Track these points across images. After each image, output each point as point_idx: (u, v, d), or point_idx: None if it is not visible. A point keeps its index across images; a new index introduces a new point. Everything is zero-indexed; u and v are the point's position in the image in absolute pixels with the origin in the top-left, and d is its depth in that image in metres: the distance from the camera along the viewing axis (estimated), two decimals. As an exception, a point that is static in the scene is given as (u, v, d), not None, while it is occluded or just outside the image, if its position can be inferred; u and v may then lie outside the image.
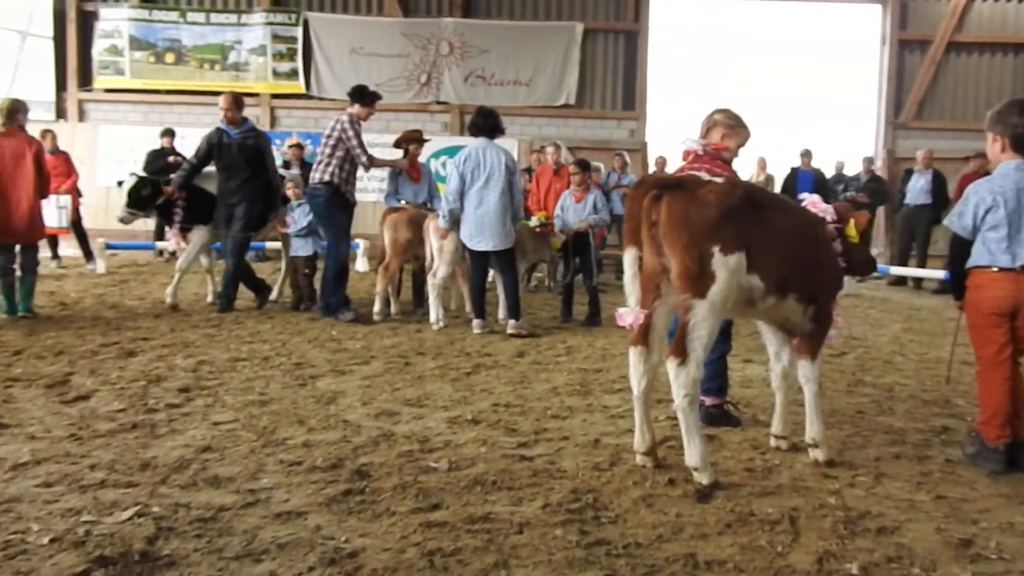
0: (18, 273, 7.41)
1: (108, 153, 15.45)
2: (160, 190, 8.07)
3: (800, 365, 3.98)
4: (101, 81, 16.26)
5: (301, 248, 8.54)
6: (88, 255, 11.68)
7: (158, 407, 4.54)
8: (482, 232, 7.35)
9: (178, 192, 8.14)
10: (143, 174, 8.29)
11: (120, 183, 8.28)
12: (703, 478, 3.47)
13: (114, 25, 16.15)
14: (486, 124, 7.56)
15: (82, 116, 16.38)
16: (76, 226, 11.77)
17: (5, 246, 7.30)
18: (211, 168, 8.32)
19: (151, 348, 6.20)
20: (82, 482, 3.29)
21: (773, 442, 4.14)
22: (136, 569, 2.52)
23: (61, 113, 16.32)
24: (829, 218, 4.03)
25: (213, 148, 8.14)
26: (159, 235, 11.81)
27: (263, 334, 7.00)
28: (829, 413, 4.61)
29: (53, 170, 11.27)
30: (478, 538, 2.86)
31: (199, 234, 8.33)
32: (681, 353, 3.45)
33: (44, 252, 11.77)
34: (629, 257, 3.68)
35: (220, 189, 8.28)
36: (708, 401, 4.48)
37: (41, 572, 2.47)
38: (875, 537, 3.04)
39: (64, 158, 11.86)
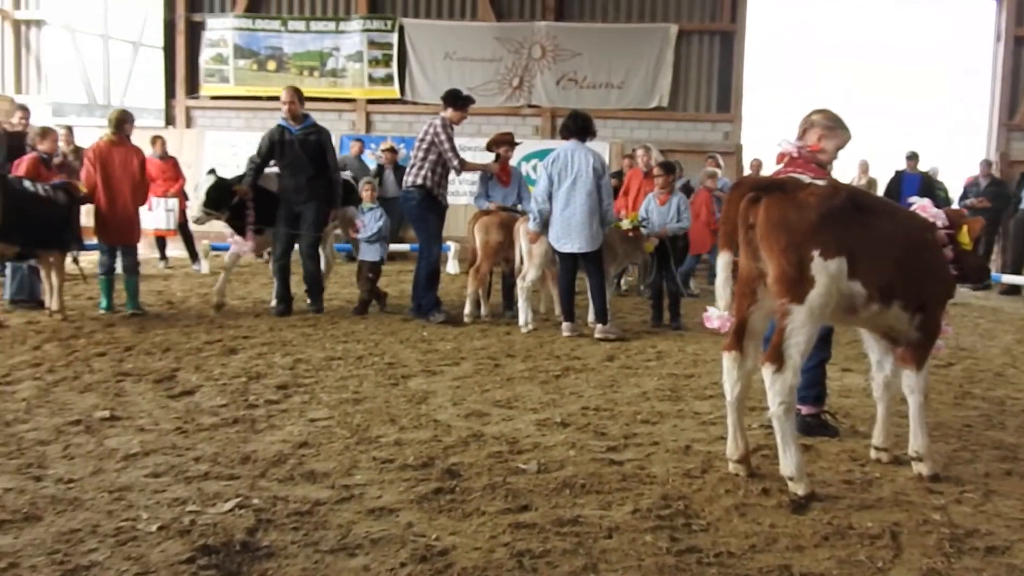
0: (118, 271, 7.90)
1: (213, 158, 16.06)
2: (234, 191, 7.96)
3: (904, 375, 3.82)
4: (207, 89, 16.92)
5: (369, 253, 8.47)
6: (193, 256, 12.17)
7: (258, 403, 4.69)
8: (568, 233, 7.34)
9: (250, 192, 8.00)
10: (220, 174, 8.16)
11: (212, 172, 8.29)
12: (799, 488, 3.37)
13: (220, 35, 16.80)
14: (576, 126, 7.57)
15: (189, 122, 17.08)
16: (182, 228, 12.26)
17: (110, 247, 7.77)
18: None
19: (251, 346, 6.42)
20: (187, 473, 3.42)
21: (873, 454, 4.00)
22: (237, 559, 2.61)
23: (170, 120, 17.05)
24: (940, 223, 3.86)
25: (275, 145, 8.03)
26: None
27: (357, 334, 7.15)
28: (934, 426, 4.42)
29: (162, 174, 11.85)
30: (567, 541, 2.85)
31: (254, 242, 8.24)
32: (777, 360, 3.37)
33: (153, 253, 12.36)
34: (723, 261, 3.62)
35: (283, 188, 8.15)
36: (805, 410, 4.36)
37: (150, 558, 2.59)
38: (983, 557, 2.90)
39: (172, 163, 12.41)
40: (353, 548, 2.74)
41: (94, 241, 8.23)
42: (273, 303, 8.21)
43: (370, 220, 8.39)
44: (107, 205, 7.74)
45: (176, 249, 12.72)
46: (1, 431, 3.95)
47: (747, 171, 14.65)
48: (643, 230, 8.07)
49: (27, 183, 7.14)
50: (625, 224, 8.26)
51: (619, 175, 11.41)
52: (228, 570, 2.54)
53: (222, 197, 7.89)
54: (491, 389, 5.28)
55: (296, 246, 8.29)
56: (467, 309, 8.18)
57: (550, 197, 7.41)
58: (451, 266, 13.35)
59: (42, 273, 7.67)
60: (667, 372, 6.03)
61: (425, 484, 3.39)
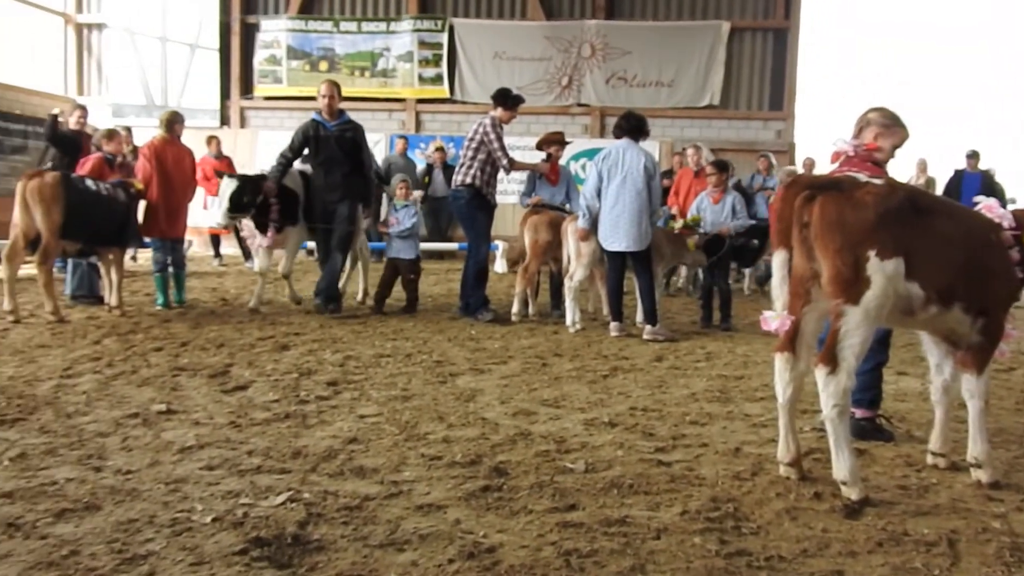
0: (170, 269, 8.15)
1: (267, 157, 16.33)
2: (260, 189, 7.84)
3: (964, 379, 3.72)
4: (261, 89, 17.21)
5: (403, 251, 8.29)
6: (246, 254, 12.38)
7: (308, 399, 4.75)
8: (616, 232, 7.30)
9: (276, 189, 7.88)
10: (238, 178, 7.98)
11: (219, 174, 8.33)
12: (852, 493, 3.31)
13: (273, 36, 17.06)
14: (629, 125, 7.53)
15: (243, 122, 17.39)
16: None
17: (163, 244, 8.00)
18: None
19: (302, 343, 6.51)
20: (240, 467, 3.48)
21: (930, 459, 3.90)
22: (288, 551, 2.65)
23: (224, 120, 17.36)
24: (1006, 224, 3.75)
25: (309, 141, 7.88)
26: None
27: (406, 332, 7.21)
28: (995, 432, 4.30)
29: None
30: (615, 541, 2.84)
31: (293, 235, 8.17)
32: (831, 362, 3.31)
33: (208, 251, 12.61)
34: (778, 260, 3.56)
35: (318, 184, 8.03)
36: (859, 413, 4.27)
37: (204, 549, 2.64)
38: (1045, 566, 2.81)
39: (227, 162, 12.65)
40: (401, 543, 2.77)
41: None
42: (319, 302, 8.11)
43: (404, 217, 8.28)
44: (160, 200, 8.04)
45: (230, 247, 12.96)
46: (63, 423, 4.06)
47: (800, 170, 14.43)
48: (699, 230, 7.97)
49: (89, 182, 7.36)
50: (680, 224, 8.15)
51: (669, 174, 11.33)
52: (280, 562, 2.58)
53: (246, 198, 7.77)
54: (538, 388, 5.29)
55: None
56: (515, 308, 8.20)
57: (599, 195, 7.39)
58: (499, 265, 13.37)
59: (102, 269, 7.90)
60: (717, 373, 5.97)
61: (473, 481, 3.41)
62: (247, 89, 17.31)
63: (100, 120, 16.15)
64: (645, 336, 7.29)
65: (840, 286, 3.31)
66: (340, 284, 8.42)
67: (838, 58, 19.03)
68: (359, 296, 8.95)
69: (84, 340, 6.29)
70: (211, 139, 12.62)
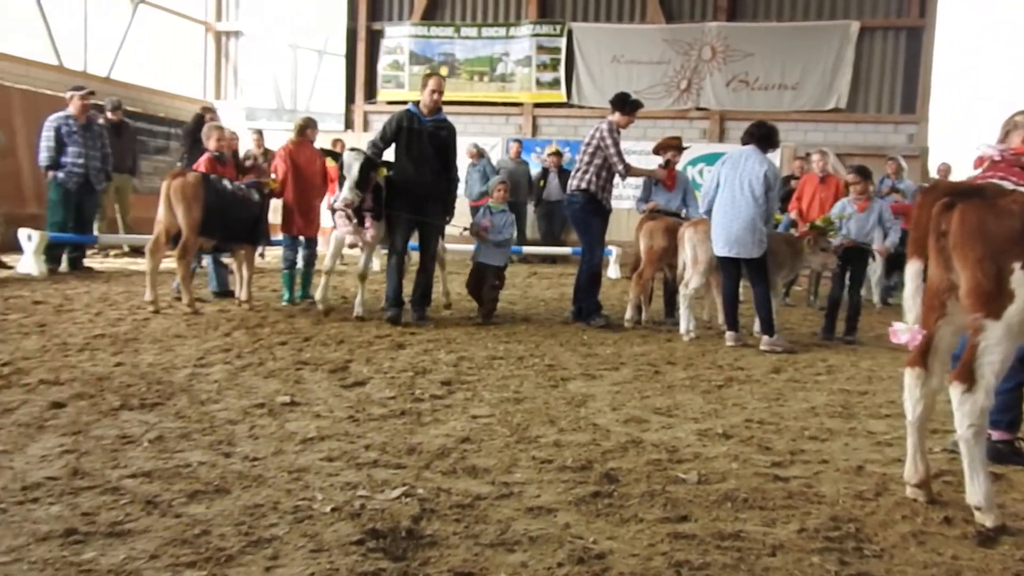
0: (299, 265, 8.52)
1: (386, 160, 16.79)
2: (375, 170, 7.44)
3: None
4: (384, 94, 17.71)
5: (494, 257, 7.94)
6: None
7: (423, 397, 4.86)
8: (730, 239, 7.16)
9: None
10: (361, 152, 7.41)
11: (328, 153, 7.98)
12: (987, 520, 3.13)
13: (397, 42, 17.53)
14: (759, 133, 7.34)
15: (366, 126, 17.93)
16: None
17: (293, 242, 8.37)
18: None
19: (418, 342, 6.65)
20: (358, 460, 3.59)
21: None
22: (403, 544, 2.72)
23: (349, 124, 17.95)
24: None
25: (402, 132, 7.49)
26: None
27: (518, 335, 7.27)
28: None
29: (337, 174, 12.53)
30: (727, 555, 2.78)
31: (380, 230, 7.67)
32: (968, 379, 3.13)
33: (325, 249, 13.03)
34: (912, 270, 3.41)
35: (406, 178, 7.49)
36: (996, 435, 4.04)
37: (324, 537, 2.74)
38: None
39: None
40: (512, 544, 2.79)
41: (279, 237, 8.85)
42: (384, 307, 7.65)
43: (502, 223, 7.94)
44: (295, 200, 8.44)
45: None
46: (196, 409, 4.29)
47: (934, 176, 13.77)
48: (832, 236, 7.60)
49: (225, 182, 7.74)
50: (816, 224, 7.76)
51: (791, 179, 11.01)
52: (394, 555, 2.65)
53: (367, 178, 7.33)
54: (651, 396, 5.23)
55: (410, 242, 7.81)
56: (628, 314, 8.14)
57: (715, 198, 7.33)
58: (612, 271, 13.31)
59: (233, 265, 8.31)
60: (838, 387, 5.77)
61: (583, 487, 3.41)
62: (371, 94, 17.84)
63: (233, 123, 16.99)
64: (762, 347, 7.12)
65: (980, 299, 3.14)
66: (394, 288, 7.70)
67: (976, 58, 17.98)
68: (444, 300, 8.83)
69: (216, 332, 6.62)
70: (336, 142, 13.05)
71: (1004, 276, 3.09)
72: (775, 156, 14.28)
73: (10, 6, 13.87)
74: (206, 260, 9.00)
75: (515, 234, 8.24)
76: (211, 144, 8.36)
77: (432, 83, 7.55)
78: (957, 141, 15.52)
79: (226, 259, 9.05)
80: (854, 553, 2.87)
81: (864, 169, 8.14)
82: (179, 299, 7.87)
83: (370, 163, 7.27)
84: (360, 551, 2.65)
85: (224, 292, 8.72)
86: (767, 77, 15.61)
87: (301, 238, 8.57)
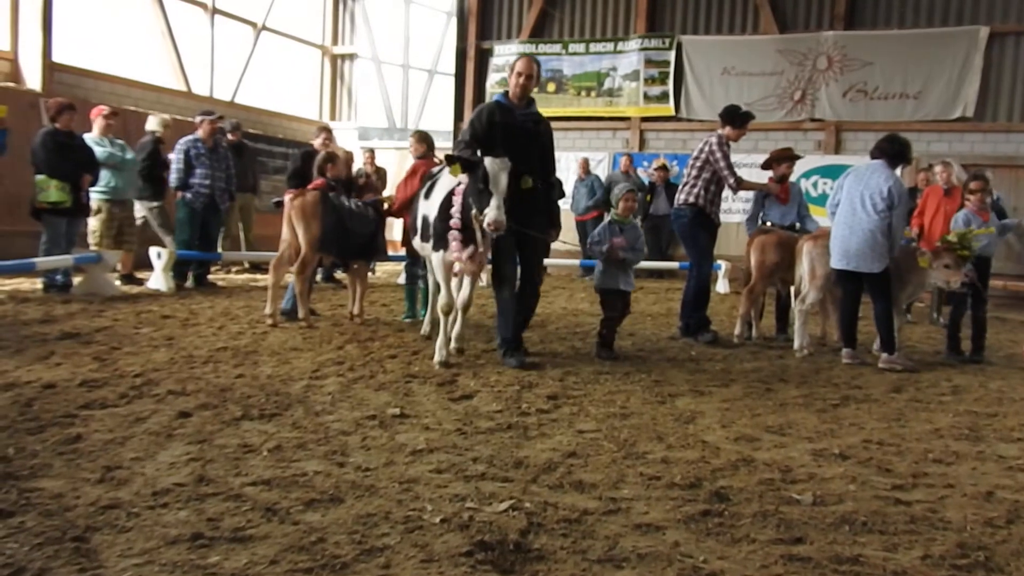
0: (420, 284, 8.52)
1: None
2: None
3: None
4: (492, 111, 17.92)
5: (626, 281, 6.94)
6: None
7: (529, 411, 4.88)
8: (848, 252, 6.94)
9: None
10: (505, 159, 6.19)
11: (456, 160, 6.21)
12: None
13: (505, 60, 17.74)
14: (891, 148, 7.09)
15: (475, 144, 18.18)
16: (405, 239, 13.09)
17: (415, 259, 8.47)
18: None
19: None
20: (466, 472, 3.64)
21: None
22: (510, 557, 2.74)
23: (458, 141, 18.27)
24: None
25: (495, 128, 6.22)
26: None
27: (624, 350, 7.22)
28: None
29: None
30: (845, 580, 2.69)
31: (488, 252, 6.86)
32: None
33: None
34: None
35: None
36: None
37: (434, 548, 2.79)
38: None
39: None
40: (620, 560, 2.77)
41: (394, 253, 9.05)
42: (504, 351, 6.39)
43: (634, 238, 6.91)
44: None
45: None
46: (312, 420, 4.44)
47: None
48: (966, 253, 7.02)
49: (344, 200, 8.02)
50: (949, 239, 7.28)
51: (914, 192, 10.55)
52: (502, 567, 2.67)
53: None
54: (762, 414, 5.10)
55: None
56: (737, 330, 7.98)
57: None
58: (721, 285, 13.07)
59: (347, 281, 8.55)
60: (964, 409, 5.48)
61: (692, 504, 3.35)
62: (479, 112, 18.09)
63: (348, 142, 17.57)
64: (881, 364, 6.85)
65: None
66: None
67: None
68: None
69: (329, 345, 6.84)
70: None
71: None
72: (898, 168, 13.75)
73: (144, 37, 14.78)
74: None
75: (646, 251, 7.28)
76: (333, 172, 8.63)
77: (520, 65, 6.18)
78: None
79: (338, 275, 9.37)
80: (983, 583, 2.72)
81: (985, 175, 7.74)
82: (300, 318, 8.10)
83: (517, 173, 5.95)
84: (469, 562, 2.68)
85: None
86: (887, 86, 15.03)
87: None
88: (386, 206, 8.49)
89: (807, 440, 4.51)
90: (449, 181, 6.16)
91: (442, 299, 6.26)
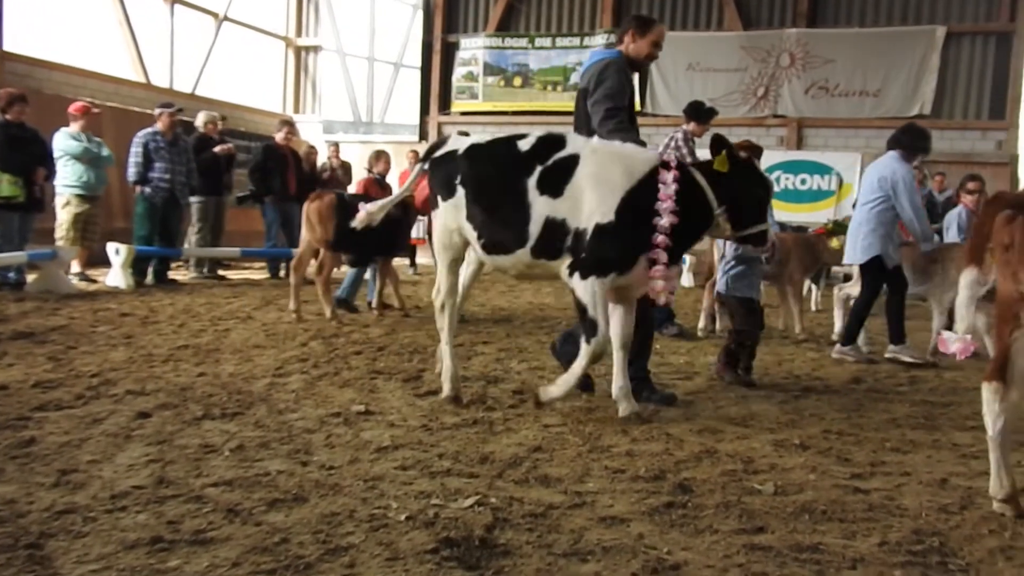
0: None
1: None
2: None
3: None
4: (458, 105, 17.92)
5: (750, 287, 6.04)
6: (413, 262, 12.93)
7: (495, 406, 4.88)
8: (852, 243, 7.12)
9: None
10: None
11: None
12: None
13: (471, 54, 17.73)
14: (903, 138, 7.15)
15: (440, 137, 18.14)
16: (431, 237, 13.07)
17: None
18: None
19: (490, 351, 6.70)
20: (432, 469, 3.63)
21: None
22: (476, 553, 2.74)
23: (423, 135, 18.21)
24: None
25: (628, 92, 5.15)
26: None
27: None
28: None
29: (415, 185, 12.68)
30: (806, 568, 2.73)
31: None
32: None
33: (403, 260, 13.25)
34: (966, 279, 3.29)
35: None
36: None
37: (399, 545, 2.78)
38: None
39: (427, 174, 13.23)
40: (585, 554, 2.79)
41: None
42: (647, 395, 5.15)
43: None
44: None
45: (424, 256, 13.53)
46: (275, 418, 4.41)
47: None
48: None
49: (360, 200, 8.10)
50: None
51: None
52: (468, 564, 2.67)
53: None
54: (725, 405, 5.16)
55: None
56: (701, 323, 8.06)
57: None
58: (685, 279, 13.18)
59: (368, 274, 8.80)
60: (920, 399, 5.59)
61: (656, 497, 3.38)
62: (445, 105, 18.08)
63: (312, 136, 17.43)
64: (834, 355, 6.98)
65: None
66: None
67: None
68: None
69: (293, 342, 6.79)
70: (410, 153, 13.37)
71: None
72: (855, 162, 13.96)
73: (100, 26, 14.52)
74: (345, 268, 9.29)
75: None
76: (379, 167, 9.12)
77: (656, 32, 5.28)
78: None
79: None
80: (938, 567, 2.78)
81: (981, 176, 8.14)
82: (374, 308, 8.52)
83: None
84: (435, 560, 2.68)
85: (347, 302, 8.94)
86: (848, 84, 15.25)
87: None
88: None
89: (769, 431, 4.56)
90: (614, 173, 4.52)
91: (602, 339, 4.53)
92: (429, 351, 6.56)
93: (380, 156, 9.63)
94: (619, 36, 5.35)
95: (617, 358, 4.70)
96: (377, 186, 9.16)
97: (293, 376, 5.49)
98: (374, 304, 8.57)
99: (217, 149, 11.44)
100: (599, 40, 16.70)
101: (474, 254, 5.16)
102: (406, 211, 8.44)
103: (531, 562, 2.70)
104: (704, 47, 16.08)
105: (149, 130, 10.49)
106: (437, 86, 18.00)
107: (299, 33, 19.23)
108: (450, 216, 4.98)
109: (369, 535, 2.86)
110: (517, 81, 17.34)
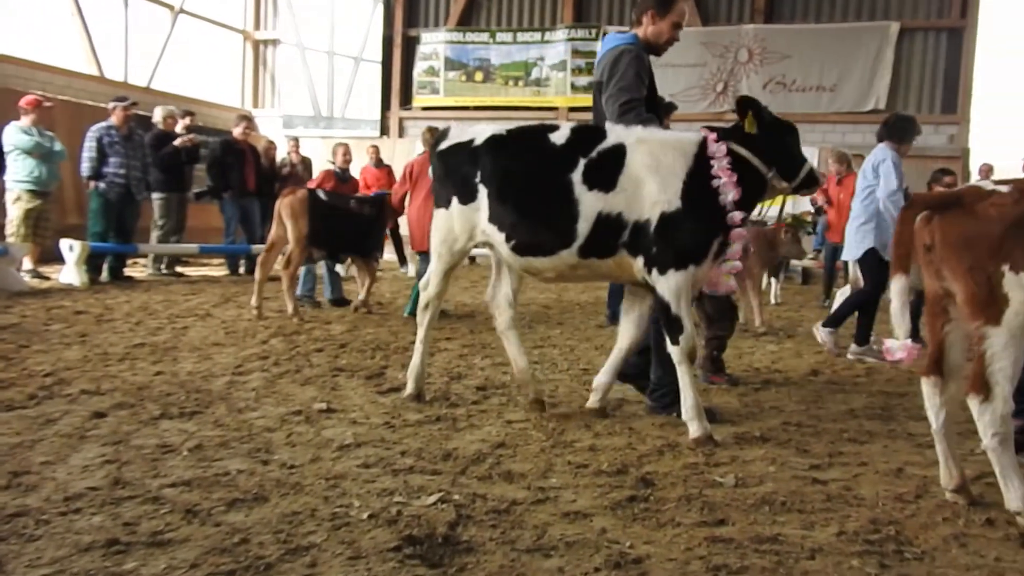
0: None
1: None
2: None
3: None
4: (419, 100, 17.83)
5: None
6: (402, 259, 12.84)
7: (458, 403, 4.87)
8: (848, 240, 7.16)
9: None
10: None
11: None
12: (1029, 523, 3.06)
13: (432, 48, 17.64)
14: (884, 129, 7.06)
15: (401, 132, 18.06)
16: (393, 232, 12.97)
17: (425, 256, 8.35)
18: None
19: (453, 348, 6.68)
20: (394, 466, 3.61)
21: None
22: (440, 551, 2.73)
23: (384, 130, 18.10)
24: None
25: (646, 80, 4.82)
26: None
27: (553, 339, 7.26)
28: None
29: (376, 182, 12.60)
30: (766, 559, 2.76)
31: None
32: (983, 389, 3.05)
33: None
34: (896, 287, 3.34)
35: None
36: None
37: (361, 544, 2.76)
38: None
39: (387, 171, 13.17)
40: (548, 549, 2.79)
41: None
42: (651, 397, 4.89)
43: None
44: (417, 215, 8.21)
45: (387, 252, 13.43)
46: (235, 417, 4.35)
47: (976, 178, 13.53)
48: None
49: (333, 198, 8.20)
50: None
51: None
52: (431, 561, 2.66)
53: None
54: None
55: None
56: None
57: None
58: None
59: (356, 272, 8.79)
60: (878, 389, 5.68)
61: (619, 491, 3.39)
62: (406, 100, 17.98)
63: (271, 131, 17.23)
64: (850, 355, 6.88)
65: (977, 308, 3.06)
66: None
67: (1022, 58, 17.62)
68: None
69: (253, 340, 6.71)
70: (371, 148, 13.26)
71: (995, 282, 3.01)
72: (812, 157, 14.09)
73: (52, 18, 14.20)
74: (322, 269, 9.21)
75: None
76: (339, 161, 8.92)
77: (677, 11, 4.94)
78: (1002, 142, 15.21)
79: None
80: (894, 556, 2.83)
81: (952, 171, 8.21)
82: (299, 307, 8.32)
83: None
84: (397, 558, 2.66)
85: (339, 300, 8.98)
86: (805, 79, 15.45)
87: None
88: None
89: (730, 423, 4.61)
90: (668, 157, 4.26)
91: (690, 335, 4.20)
92: (392, 348, 6.52)
93: (339, 149, 9.60)
94: (636, 18, 4.95)
95: (681, 372, 4.27)
96: (336, 179, 9.10)
97: (253, 374, 5.42)
98: (358, 302, 8.54)
99: (177, 142, 11.25)
100: (560, 35, 16.74)
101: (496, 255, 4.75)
102: (380, 209, 8.40)
103: (494, 558, 2.70)
104: (664, 42, 16.19)
105: (103, 124, 10.29)
106: (398, 81, 17.90)
107: (257, 26, 18.99)
108: (463, 219, 4.55)
109: (331, 534, 2.84)
110: (479, 76, 17.31)
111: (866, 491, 3.51)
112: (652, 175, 4.19)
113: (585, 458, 3.84)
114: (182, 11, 16.69)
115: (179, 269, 11.81)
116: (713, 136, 4.30)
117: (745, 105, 4.40)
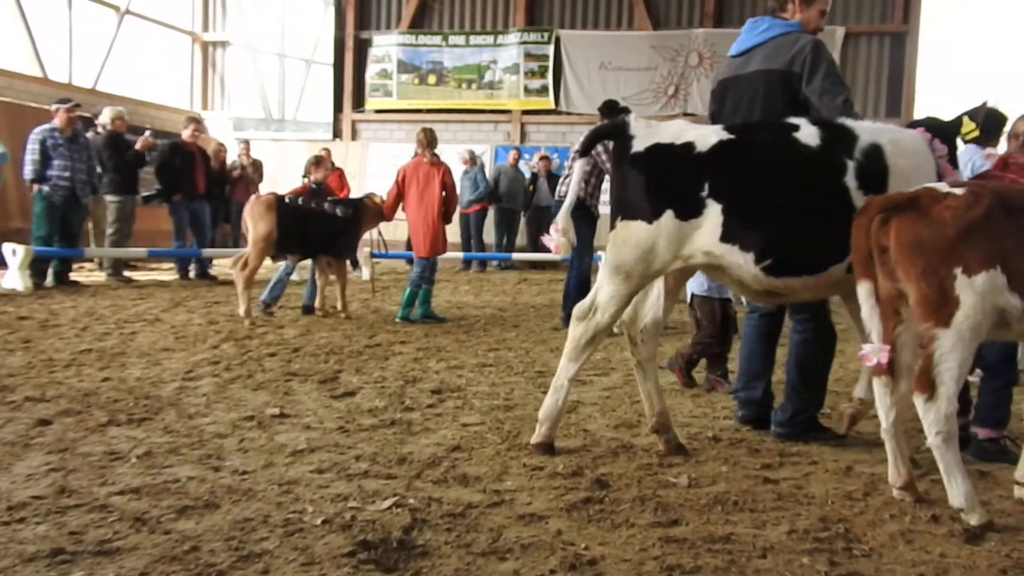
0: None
1: (376, 169, 16.80)
2: None
3: None
4: (372, 103, 17.73)
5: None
6: (354, 263, 12.73)
7: (414, 406, 4.85)
8: None
9: None
10: None
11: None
12: (972, 518, 3.14)
13: (385, 51, 17.55)
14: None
15: (355, 135, 17.93)
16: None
17: (419, 260, 8.31)
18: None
19: (408, 351, 6.65)
20: (349, 471, 3.59)
21: (1016, 491, 3.55)
22: (394, 555, 2.71)
23: (337, 133, 17.96)
24: None
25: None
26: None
27: (508, 342, 7.27)
28: None
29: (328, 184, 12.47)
30: (719, 558, 2.79)
31: None
32: (928, 388, 3.13)
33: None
34: (863, 292, 3.39)
35: None
36: (983, 433, 4.07)
37: (315, 550, 2.73)
38: None
39: (339, 174, 13.05)
40: (504, 552, 2.79)
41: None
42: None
43: None
44: (414, 220, 8.15)
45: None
46: (185, 423, 4.28)
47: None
48: None
49: (300, 201, 8.12)
50: None
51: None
52: (386, 566, 2.64)
53: None
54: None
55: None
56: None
57: None
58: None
59: (317, 276, 8.52)
60: (828, 388, 5.77)
61: (574, 493, 3.41)
62: (359, 103, 17.86)
63: (222, 133, 16.98)
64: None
65: (928, 310, 3.13)
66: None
67: (965, 61, 18.10)
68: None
69: (204, 344, 6.60)
70: (323, 151, 13.11)
71: (947, 284, 3.09)
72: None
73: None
74: (304, 275, 9.05)
75: None
76: (318, 175, 8.67)
77: None
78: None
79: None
80: (843, 553, 2.88)
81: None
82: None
83: None
84: (352, 563, 2.64)
85: (310, 308, 8.64)
86: (754, 82, 15.69)
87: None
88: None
89: (683, 425, 4.65)
90: (919, 158, 3.91)
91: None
92: (346, 352, 6.47)
93: (319, 163, 8.90)
94: (778, 5, 4.66)
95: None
96: (311, 193, 8.59)
97: (204, 379, 5.33)
98: (338, 306, 8.45)
99: (139, 145, 11.04)
100: (512, 38, 16.78)
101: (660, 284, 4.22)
102: (357, 211, 8.30)
103: (450, 562, 2.69)
104: (615, 46, 16.33)
105: (47, 126, 10.04)
106: (350, 83, 17.78)
107: (205, 28, 18.70)
108: (676, 236, 3.81)
109: (284, 540, 2.80)
110: (432, 79, 17.27)
111: (816, 489, 3.57)
112: (915, 175, 3.78)
113: (540, 461, 3.85)
114: (128, 12, 16.37)
115: (127, 274, 11.58)
116: (929, 136, 3.97)
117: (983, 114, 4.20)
